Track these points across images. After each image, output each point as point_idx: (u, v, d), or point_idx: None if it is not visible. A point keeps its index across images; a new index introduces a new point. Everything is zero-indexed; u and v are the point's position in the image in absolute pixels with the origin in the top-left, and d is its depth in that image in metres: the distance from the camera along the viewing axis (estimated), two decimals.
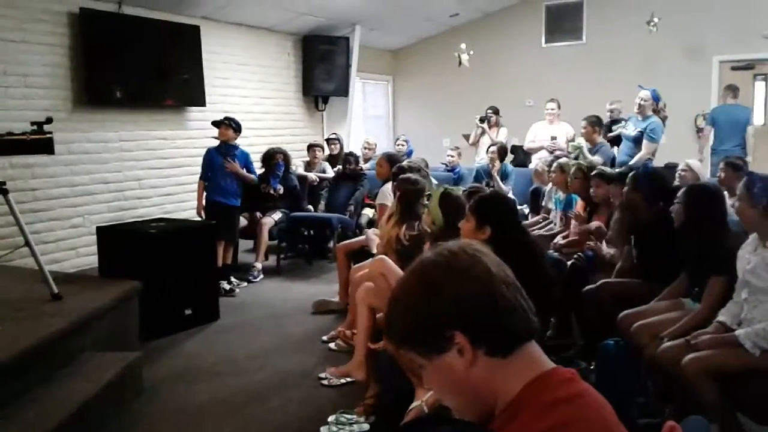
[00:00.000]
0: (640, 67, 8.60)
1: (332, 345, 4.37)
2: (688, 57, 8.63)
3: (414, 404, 2.29)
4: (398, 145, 8.30)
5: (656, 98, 6.73)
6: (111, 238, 4.84)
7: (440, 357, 1.06)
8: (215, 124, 6.12)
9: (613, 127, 7.45)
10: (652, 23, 8.28)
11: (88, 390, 3.14)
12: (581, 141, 6.30)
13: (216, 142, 6.24)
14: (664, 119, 6.87)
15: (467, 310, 1.04)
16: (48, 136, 3.72)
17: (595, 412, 1.03)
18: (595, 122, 6.38)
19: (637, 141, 6.53)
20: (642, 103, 6.55)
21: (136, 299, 4.17)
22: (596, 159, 6.10)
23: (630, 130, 6.65)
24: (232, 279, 6.04)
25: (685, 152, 6.73)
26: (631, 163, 6.21)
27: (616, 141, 7.05)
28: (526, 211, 6.56)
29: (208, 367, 4.12)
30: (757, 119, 8.75)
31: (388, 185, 5.28)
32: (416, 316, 1.07)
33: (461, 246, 1.12)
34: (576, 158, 6.02)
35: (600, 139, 6.49)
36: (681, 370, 2.59)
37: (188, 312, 4.80)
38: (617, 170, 4.77)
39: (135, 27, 6.64)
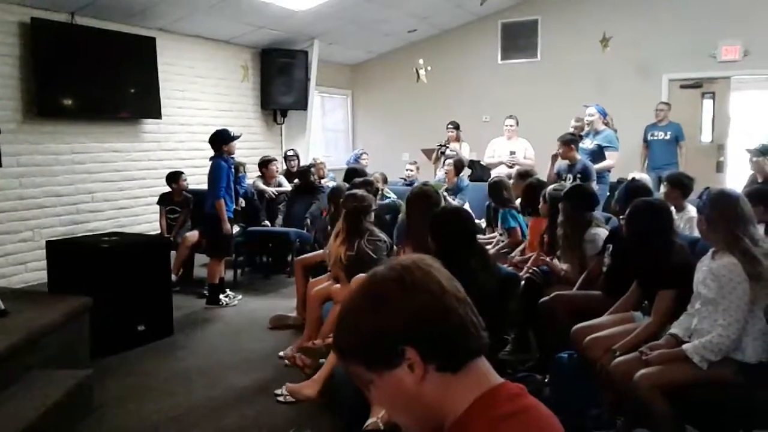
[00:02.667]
0: (593, 85, 8.80)
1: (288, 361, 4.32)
2: (639, 75, 8.86)
3: (369, 421, 2.28)
4: (362, 159, 8.31)
5: (602, 112, 7.00)
6: (61, 252, 4.72)
7: (390, 372, 1.05)
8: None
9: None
10: (604, 42, 8.50)
11: (35, 410, 3.05)
12: None
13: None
14: (614, 131, 7.14)
15: (419, 325, 1.03)
16: None
17: (542, 427, 1.04)
18: (569, 141, 6.43)
19: (594, 154, 6.78)
20: (590, 119, 6.85)
21: (86, 315, 4.06)
22: None
23: (587, 144, 6.90)
24: (228, 291, 6.00)
25: (636, 167, 6.91)
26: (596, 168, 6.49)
27: None
28: (483, 225, 6.62)
29: (161, 385, 4.03)
30: (705, 137, 9.04)
31: None
32: (367, 331, 1.05)
33: (414, 260, 1.11)
34: None
35: (578, 155, 6.53)
36: (633, 385, 2.63)
37: (141, 328, 4.70)
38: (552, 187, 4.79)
39: (88, 38, 6.55)
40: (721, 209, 2.73)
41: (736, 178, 8.42)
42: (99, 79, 6.62)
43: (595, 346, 3.07)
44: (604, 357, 2.96)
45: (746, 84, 9.09)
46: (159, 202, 6.85)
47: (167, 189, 6.83)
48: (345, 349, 1.10)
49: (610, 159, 6.73)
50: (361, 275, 3.45)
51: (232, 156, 5.92)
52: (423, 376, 1.04)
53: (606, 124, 7.05)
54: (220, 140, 5.74)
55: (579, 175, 6.14)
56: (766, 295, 2.59)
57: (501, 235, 5.40)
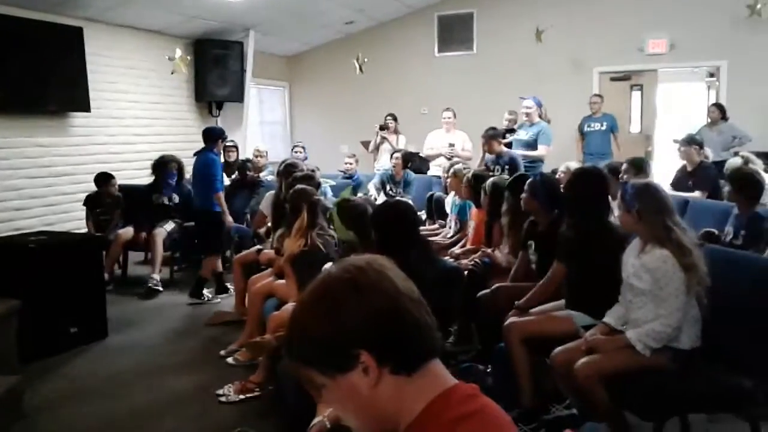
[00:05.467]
0: (527, 77, 8.97)
1: (230, 360, 4.24)
2: (571, 68, 9.08)
3: (316, 420, 2.24)
4: (295, 152, 8.21)
5: (539, 104, 7.13)
6: None
7: (344, 376, 1.03)
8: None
9: (507, 135, 7.83)
10: (537, 35, 8.66)
11: None
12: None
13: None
14: (548, 122, 7.31)
15: (374, 328, 1.02)
16: None
17: (496, 427, 1.04)
18: (492, 135, 6.53)
19: (529, 145, 6.93)
20: (527, 111, 7.00)
21: (13, 319, 3.88)
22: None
23: (522, 135, 7.04)
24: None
25: (569, 158, 7.07)
26: (525, 153, 6.75)
27: (507, 147, 7.40)
28: (424, 217, 6.66)
29: (96, 389, 3.89)
30: (634, 127, 9.35)
31: (271, 193, 5.26)
32: (321, 335, 1.03)
33: (368, 261, 1.09)
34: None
35: (504, 148, 6.64)
36: (572, 374, 2.68)
37: (73, 330, 4.53)
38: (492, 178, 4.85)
39: (11, 28, 6.23)
40: (650, 202, 2.78)
41: (664, 166, 8.77)
42: (23, 71, 6.31)
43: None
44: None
45: (672, 76, 9.44)
46: (85, 204, 6.56)
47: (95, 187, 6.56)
48: (297, 353, 1.08)
49: (541, 150, 6.88)
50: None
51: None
52: (377, 379, 1.03)
53: (540, 116, 7.20)
54: (216, 136, 5.85)
55: (507, 167, 6.27)
56: (697, 283, 2.67)
57: (455, 224, 5.40)
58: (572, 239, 3.21)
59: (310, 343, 1.05)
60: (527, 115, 7.06)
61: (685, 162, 5.80)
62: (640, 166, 4.91)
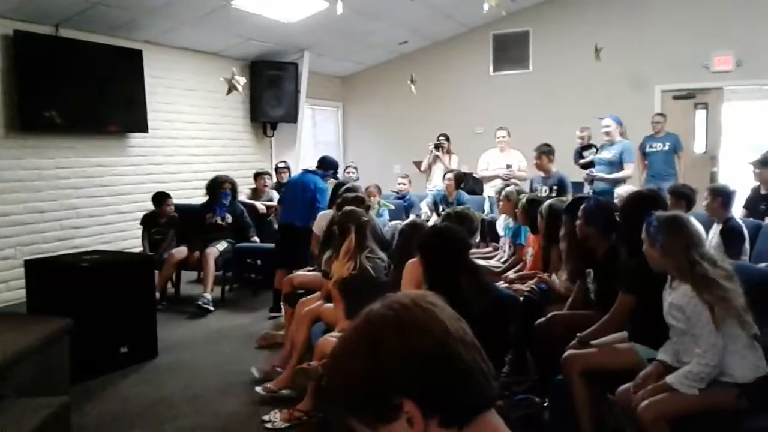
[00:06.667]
0: (585, 96, 8.75)
1: (259, 389, 4.01)
2: (631, 86, 8.79)
3: None
4: (347, 172, 8.18)
5: (619, 122, 6.94)
6: (40, 272, 4.55)
7: (387, 427, 0.93)
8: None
9: (584, 153, 7.67)
10: (596, 53, 8.42)
11: None
12: None
13: None
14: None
15: (419, 375, 0.91)
16: None
17: None
18: (546, 151, 6.37)
19: (612, 164, 6.76)
20: (607, 130, 6.85)
21: (66, 338, 3.88)
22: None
23: (605, 155, 6.87)
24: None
25: (630, 180, 6.82)
26: (612, 176, 6.59)
27: (590, 166, 7.27)
28: (477, 239, 6.49)
29: (143, 411, 3.86)
30: (698, 147, 8.97)
31: (327, 213, 5.17)
32: (360, 381, 0.93)
33: (414, 299, 0.99)
34: None
35: (554, 168, 6.47)
36: (637, 416, 2.50)
37: (124, 350, 4.54)
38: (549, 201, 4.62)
39: (73, 50, 6.43)
40: (676, 235, 2.62)
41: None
42: (84, 93, 6.49)
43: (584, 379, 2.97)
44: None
45: (738, 94, 9.04)
46: (142, 223, 6.65)
47: (151, 206, 6.66)
48: (336, 400, 0.98)
49: (628, 170, 6.69)
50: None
51: None
52: None
53: (621, 134, 7.00)
54: (336, 166, 6.17)
55: (555, 187, 6.06)
56: (734, 315, 2.48)
57: (509, 248, 5.23)
58: (636, 269, 3.02)
59: (348, 389, 0.95)
60: (607, 134, 6.87)
61: (758, 183, 5.49)
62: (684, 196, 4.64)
